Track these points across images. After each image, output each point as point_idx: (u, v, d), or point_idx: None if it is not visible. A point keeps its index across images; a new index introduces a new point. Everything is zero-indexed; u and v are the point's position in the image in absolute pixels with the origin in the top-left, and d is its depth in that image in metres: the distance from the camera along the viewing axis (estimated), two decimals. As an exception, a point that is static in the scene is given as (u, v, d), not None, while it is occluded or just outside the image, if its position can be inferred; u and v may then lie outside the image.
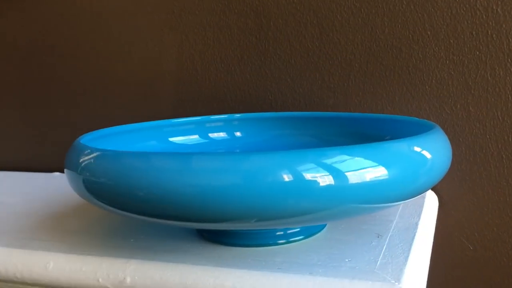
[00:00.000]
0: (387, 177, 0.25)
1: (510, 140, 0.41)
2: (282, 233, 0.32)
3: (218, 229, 0.31)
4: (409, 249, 0.30)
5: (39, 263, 0.32)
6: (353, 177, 0.24)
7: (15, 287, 0.33)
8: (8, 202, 0.46)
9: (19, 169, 0.59)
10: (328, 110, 0.46)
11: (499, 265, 0.44)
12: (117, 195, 0.26)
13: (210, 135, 0.43)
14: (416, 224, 0.35)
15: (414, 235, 0.33)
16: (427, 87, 0.43)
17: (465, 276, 0.45)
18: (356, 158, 0.24)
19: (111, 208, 0.27)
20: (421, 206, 0.38)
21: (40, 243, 0.34)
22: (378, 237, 0.32)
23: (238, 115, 0.45)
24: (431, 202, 0.41)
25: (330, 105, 0.46)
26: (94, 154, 0.28)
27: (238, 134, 0.44)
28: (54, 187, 0.50)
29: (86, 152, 0.28)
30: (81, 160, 0.28)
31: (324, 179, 0.23)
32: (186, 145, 0.42)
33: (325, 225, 0.34)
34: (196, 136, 0.43)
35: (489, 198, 0.43)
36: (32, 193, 0.48)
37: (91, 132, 0.35)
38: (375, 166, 0.24)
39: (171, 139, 0.42)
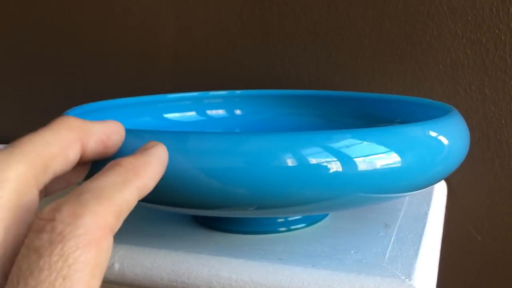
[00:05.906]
0: (400, 164, 0.23)
1: (527, 126, 0.39)
2: (283, 220, 0.30)
3: (213, 216, 0.29)
4: (420, 242, 0.28)
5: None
6: (363, 164, 0.22)
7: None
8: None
9: (5, 142, 0.57)
10: (335, 89, 0.44)
11: (509, 256, 0.42)
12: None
13: (208, 112, 0.41)
14: (426, 213, 0.32)
15: (424, 225, 0.30)
16: (440, 66, 0.40)
17: (472, 267, 0.43)
18: (367, 142, 0.22)
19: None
20: (430, 194, 0.36)
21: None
22: (385, 226, 0.30)
23: (238, 91, 0.42)
24: (440, 190, 0.39)
25: (336, 84, 0.44)
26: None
27: (238, 112, 0.42)
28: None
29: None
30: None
31: (331, 165, 0.21)
32: (182, 122, 0.39)
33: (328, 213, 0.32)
34: (193, 113, 0.40)
35: (501, 187, 0.41)
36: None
37: (79, 106, 0.33)
38: (388, 152, 0.22)
39: (166, 115, 0.39)
